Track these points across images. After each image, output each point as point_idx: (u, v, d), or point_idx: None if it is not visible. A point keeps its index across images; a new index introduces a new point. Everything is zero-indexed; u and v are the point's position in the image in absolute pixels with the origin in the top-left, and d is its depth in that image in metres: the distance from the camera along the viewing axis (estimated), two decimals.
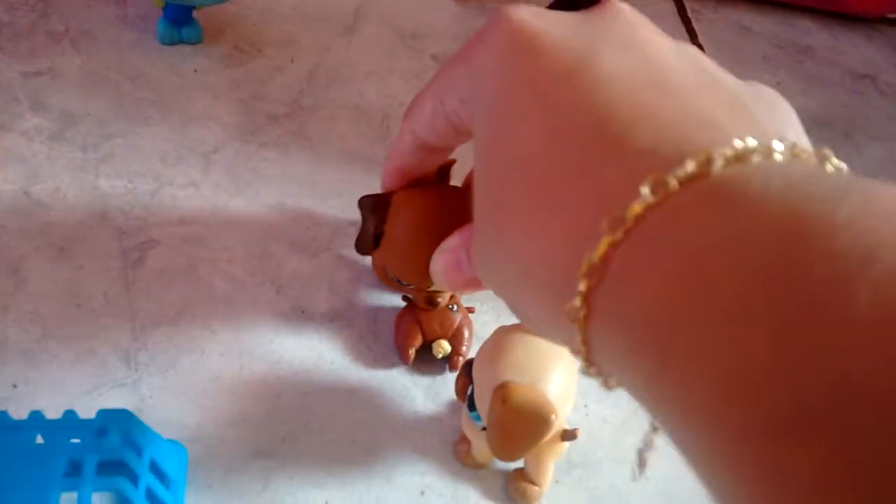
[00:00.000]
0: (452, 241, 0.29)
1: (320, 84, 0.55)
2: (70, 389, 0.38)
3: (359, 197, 0.36)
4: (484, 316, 0.43)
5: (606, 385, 0.20)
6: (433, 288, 0.38)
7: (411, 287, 0.38)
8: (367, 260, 0.45)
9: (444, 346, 0.40)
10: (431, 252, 0.30)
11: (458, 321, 0.41)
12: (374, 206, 0.34)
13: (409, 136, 0.31)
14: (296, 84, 0.55)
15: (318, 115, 0.53)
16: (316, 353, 0.41)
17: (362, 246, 0.37)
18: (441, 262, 0.29)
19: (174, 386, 0.39)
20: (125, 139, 0.48)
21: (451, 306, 0.41)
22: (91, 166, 0.47)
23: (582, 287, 0.18)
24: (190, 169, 0.48)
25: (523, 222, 0.21)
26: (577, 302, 0.18)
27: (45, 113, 0.49)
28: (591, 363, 0.19)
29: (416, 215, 0.33)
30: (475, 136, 0.24)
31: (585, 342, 0.19)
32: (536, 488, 0.37)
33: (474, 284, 0.29)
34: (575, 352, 0.20)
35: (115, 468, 0.30)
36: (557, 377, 0.33)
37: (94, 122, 0.49)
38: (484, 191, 0.23)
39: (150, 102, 0.51)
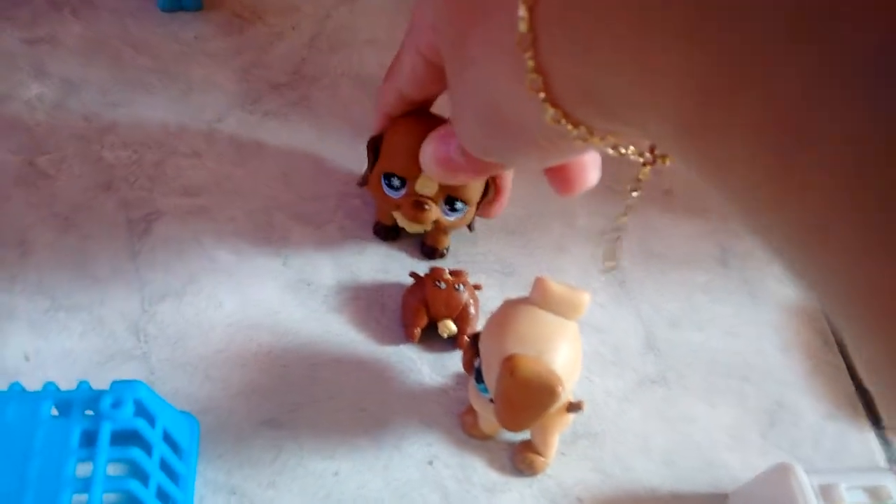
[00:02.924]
0: (441, 130, 0.33)
1: (322, 52, 0.54)
2: (81, 361, 0.38)
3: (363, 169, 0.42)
4: (489, 290, 0.43)
5: (570, 124, 0.22)
6: (421, 189, 0.39)
7: (402, 193, 0.39)
8: (371, 232, 0.45)
9: (449, 327, 0.40)
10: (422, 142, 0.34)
11: (464, 300, 0.41)
12: (375, 138, 0.40)
13: (394, 94, 0.36)
14: (297, 52, 0.54)
15: (319, 83, 0.52)
16: (322, 325, 0.41)
17: (365, 173, 0.42)
18: (431, 147, 0.33)
19: (183, 358, 0.39)
20: (128, 108, 0.48)
21: (457, 286, 0.41)
22: (95, 136, 0.46)
23: (523, 13, 0.21)
24: (193, 138, 0.47)
25: (474, 11, 0.25)
26: (524, 27, 0.21)
27: (46, 81, 0.48)
28: (555, 104, 0.22)
29: (412, 118, 0.38)
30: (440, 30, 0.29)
31: (539, 69, 0.21)
32: (542, 459, 0.38)
33: (460, 169, 0.33)
34: (535, 89, 0.22)
35: (129, 439, 0.30)
36: (564, 350, 0.33)
37: (95, 90, 0.48)
38: (445, 33, 0.28)
39: (151, 70, 0.50)
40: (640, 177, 0.27)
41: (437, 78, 0.33)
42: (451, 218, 0.40)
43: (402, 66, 0.34)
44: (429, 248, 0.44)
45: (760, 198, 0.15)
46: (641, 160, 0.26)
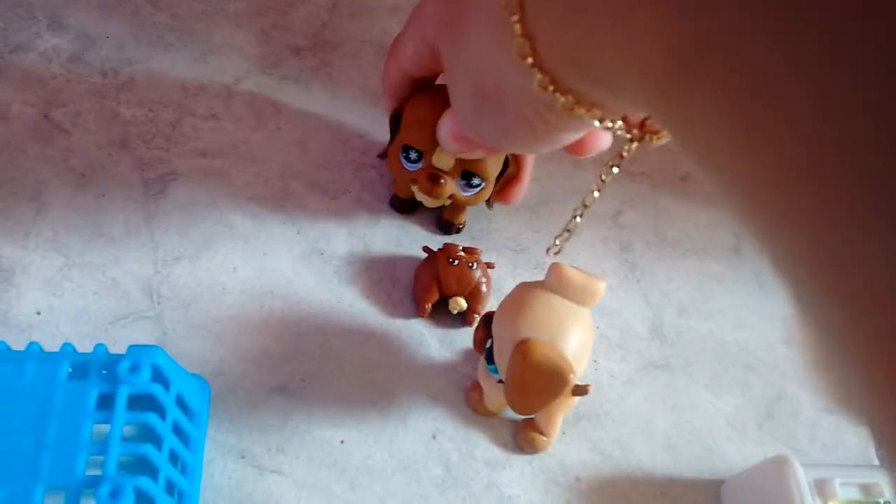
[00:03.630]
0: None
1: (343, 17, 0.54)
2: (94, 319, 0.39)
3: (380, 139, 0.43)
4: (501, 269, 0.44)
5: (558, 92, 0.23)
6: (437, 162, 0.39)
7: (419, 167, 0.40)
8: (386, 204, 0.45)
9: (459, 304, 0.41)
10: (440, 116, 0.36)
11: (476, 278, 0.41)
12: (396, 111, 0.40)
13: (398, 73, 0.37)
14: (318, 16, 0.53)
15: (340, 50, 0.52)
16: (335, 295, 0.42)
17: (385, 147, 0.42)
18: (448, 123, 0.35)
19: (196, 320, 0.40)
20: (145, 65, 0.47)
21: (470, 263, 0.41)
22: (111, 92, 0.46)
23: None
24: (211, 100, 0.47)
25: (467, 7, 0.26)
26: None
27: (63, 33, 0.47)
28: (542, 69, 0.23)
29: (431, 92, 0.38)
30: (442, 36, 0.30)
31: (526, 34, 0.22)
32: (544, 438, 0.38)
33: (476, 146, 0.35)
34: (523, 55, 0.23)
35: (143, 402, 0.31)
36: (576, 335, 0.33)
37: (113, 45, 0.48)
38: (439, 13, 0.29)
39: (170, 28, 0.50)
40: (624, 153, 0.27)
41: (439, 61, 0.33)
42: (468, 193, 0.40)
43: (405, 48, 0.35)
44: (445, 222, 0.44)
45: (727, 159, 0.15)
46: (629, 136, 0.26)
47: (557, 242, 0.35)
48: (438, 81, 0.39)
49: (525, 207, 0.47)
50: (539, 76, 0.23)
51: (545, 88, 0.23)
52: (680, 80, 0.16)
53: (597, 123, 0.24)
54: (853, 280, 0.13)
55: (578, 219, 0.33)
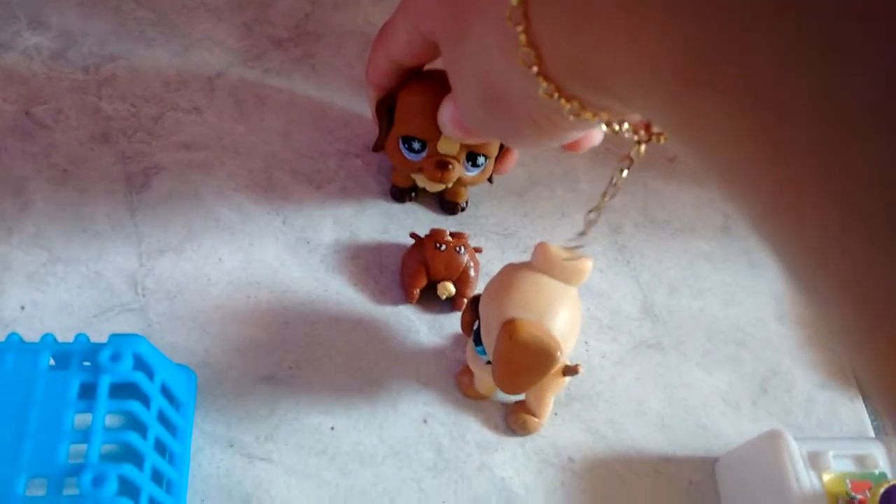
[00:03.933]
0: None
1: (325, 8, 0.53)
2: (78, 313, 0.38)
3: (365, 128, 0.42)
4: (489, 253, 0.43)
5: (563, 98, 0.23)
6: (443, 149, 0.39)
7: (423, 156, 0.39)
8: (372, 192, 0.45)
9: (448, 289, 0.40)
10: (439, 103, 0.35)
11: (464, 263, 0.41)
12: (385, 102, 0.39)
13: (386, 63, 0.37)
14: (300, 7, 0.53)
15: (323, 41, 0.51)
16: (322, 283, 0.41)
17: (378, 139, 0.41)
18: (448, 110, 0.35)
19: (181, 312, 0.39)
20: (127, 61, 0.47)
21: (457, 248, 0.41)
22: (93, 88, 0.46)
23: None
24: (193, 94, 0.47)
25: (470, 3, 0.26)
26: (515, 1, 0.22)
27: (44, 31, 0.47)
28: (548, 77, 0.23)
29: (423, 79, 0.38)
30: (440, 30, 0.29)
31: (532, 43, 0.22)
32: (536, 420, 0.38)
33: (475, 132, 0.35)
34: (528, 64, 0.23)
35: (127, 391, 0.31)
36: (563, 314, 0.33)
37: (94, 42, 0.48)
38: (441, 12, 0.29)
39: (151, 23, 0.49)
40: (633, 156, 0.27)
41: (432, 50, 0.33)
42: (473, 173, 0.41)
43: (396, 37, 0.34)
44: (449, 203, 0.44)
45: (739, 170, 0.15)
46: (636, 138, 0.26)
47: (584, 232, 0.35)
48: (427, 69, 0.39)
49: (511, 192, 0.47)
50: (544, 84, 0.23)
51: (551, 96, 0.23)
52: (690, 90, 0.16)
53: (603, 127, 0.24)
54: (870, 282, 0.13)
55: (593, 214, 0.33)
